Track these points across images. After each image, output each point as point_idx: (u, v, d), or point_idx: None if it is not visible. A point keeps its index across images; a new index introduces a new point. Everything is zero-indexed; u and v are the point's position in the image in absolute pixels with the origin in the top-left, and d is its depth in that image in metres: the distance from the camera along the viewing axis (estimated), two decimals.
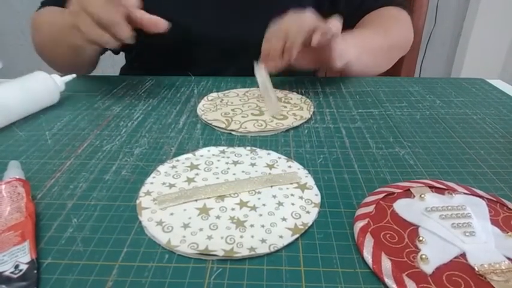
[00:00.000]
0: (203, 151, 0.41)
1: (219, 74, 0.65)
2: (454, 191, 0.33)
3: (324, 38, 0.48)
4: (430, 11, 1.59)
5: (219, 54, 0.67)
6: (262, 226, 0.30)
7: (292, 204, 0.32)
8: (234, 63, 0.66)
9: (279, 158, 0.39)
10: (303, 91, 0.58)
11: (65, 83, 0.53)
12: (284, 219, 0.31)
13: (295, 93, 0.57)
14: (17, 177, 0.33)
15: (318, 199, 0.33)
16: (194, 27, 0.65)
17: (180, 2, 0.66)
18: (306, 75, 0.67)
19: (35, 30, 0.66)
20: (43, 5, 0.69)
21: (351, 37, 0.57)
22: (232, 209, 0.32)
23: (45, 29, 0.63)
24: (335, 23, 0.49)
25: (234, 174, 0.36)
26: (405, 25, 0.71)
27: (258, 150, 0.41)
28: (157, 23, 0.48)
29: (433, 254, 0.27)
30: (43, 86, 0.50)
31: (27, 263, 0.26)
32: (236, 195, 0.33)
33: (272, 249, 0.28)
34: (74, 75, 0.55)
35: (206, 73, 0.65)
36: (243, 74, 0.63)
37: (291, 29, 0.49)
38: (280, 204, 0.32)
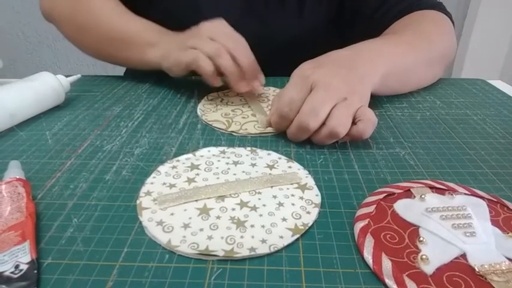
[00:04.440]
0: (203, 151, 0.41)
1: None
2: (455, 191, 0.33)
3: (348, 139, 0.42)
4: None
5: None
6: (263, 226, 0.30)
7: (293, 204, 0.32)
8: None
9: (280, 158, 0.39)
10: None
11: (70, 84, 0.53)
12: (284, 219, 0.31)
13: None
14: (17, 177, 0.33)
15: (318, 199, 0.33)
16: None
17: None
18: None
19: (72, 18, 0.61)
20: None
21: (376, 54, 0.48)
22: (233, 209, 0.32)
23: (99, 28, 0.59)
24: (369, 125, 0.40)
25: (234, 174, 0.36)
26: (448, 32, 0.60)
27: (258, 150, 0.41)
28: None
29: (433, 254, 0.27)
30: (50, 87, 0.49)
31: (27, 263, 0.26)
32: (236, 195, 0.33)
33: (272, 250, 0.28)
34: (79, 76, 0.55)
35: None
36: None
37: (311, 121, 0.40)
38: (280, 204, 0.32)
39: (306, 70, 0.43)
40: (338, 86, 0.40)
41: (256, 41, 0.63)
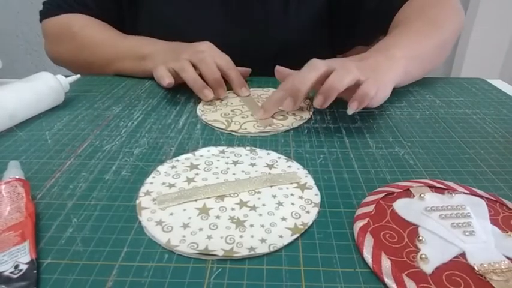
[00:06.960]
0: (203, 151, 0.41)
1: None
2: (454, 190, 0.33)
3: (361, 107, 0.43)
4: None
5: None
6: (262, 226, 0.30)
7: (292, 204, 0.32)
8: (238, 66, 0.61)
9: (279, 158, 0.39)
10: None
11: (69, 84, 0.53)
12: (284, 219, 0.31)
13: None
14: (17, 177, 0.33)
15: (317, 199, 0.33)
16: (201, 31, 0.65)
17: (189, 6, 0.66)
18: None
19: (69, 41, 0.66)
20: (48, 10, 0.68)
21: (394, 48, 0.50)
22: (232, 209, 0.32)
23: (92, 48, 0.64)
24: (371, 86, 0.42)
25: (233, 174, 0.36)
26: (454, 10, 0.61)
27: (257, 150, 0.41)
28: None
29: (432, 253, 0.27)
30: (49, 87, 0.49)
31: (27, 263, 0.26)
32: (236, 195, 0.33)
33: (272, 249, 0.28)
34: (79, 76, 0.55)
35: None
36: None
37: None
38: (280, 204, 0.32)
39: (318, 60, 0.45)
40: (353, 66, 0.43)
41: (241, 47, 0.64)
